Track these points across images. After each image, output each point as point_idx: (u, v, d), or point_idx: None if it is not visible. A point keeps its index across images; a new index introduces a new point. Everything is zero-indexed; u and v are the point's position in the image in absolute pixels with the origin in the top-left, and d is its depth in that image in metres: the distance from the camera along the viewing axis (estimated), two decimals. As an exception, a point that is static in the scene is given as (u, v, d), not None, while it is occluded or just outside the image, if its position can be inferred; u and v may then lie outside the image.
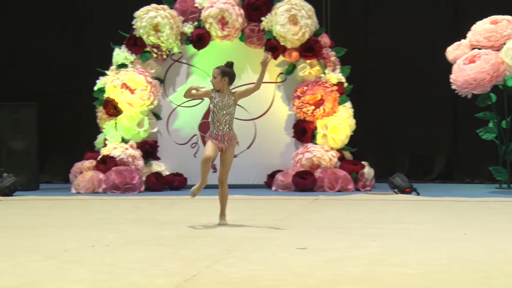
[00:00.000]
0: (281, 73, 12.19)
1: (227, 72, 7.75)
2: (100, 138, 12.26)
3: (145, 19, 11.94)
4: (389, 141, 13.04)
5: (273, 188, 11.73)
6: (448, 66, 11.68)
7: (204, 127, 12.24)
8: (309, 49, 11.92)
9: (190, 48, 12.20)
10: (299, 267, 5.39)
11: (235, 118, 12.23)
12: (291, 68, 12.07)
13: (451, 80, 11.52)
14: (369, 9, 13.23)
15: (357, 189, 11.57)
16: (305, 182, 11.44)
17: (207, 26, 12.01)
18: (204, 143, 12.12)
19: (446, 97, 12.66)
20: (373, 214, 8.66)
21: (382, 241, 6.55)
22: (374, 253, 5.92)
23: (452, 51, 11.69)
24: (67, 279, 5.05)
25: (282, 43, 11.90)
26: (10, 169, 11.42)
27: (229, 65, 7.85)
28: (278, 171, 11.92)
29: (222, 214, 7.76)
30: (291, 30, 11.82)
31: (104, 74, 12.16)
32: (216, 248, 6.21)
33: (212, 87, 7.78)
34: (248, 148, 12.22)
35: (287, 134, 12.19)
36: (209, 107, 12.13)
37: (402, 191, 10.79)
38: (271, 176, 11.96)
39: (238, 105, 11.65)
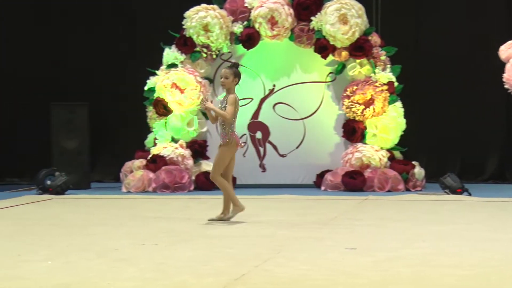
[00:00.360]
0: (330, 73, 12.14)
1: (238, 74, 8.00)
2: (150, 137, 12.36)
3: (195, 19, 12.00)
4: (440, 141, 12.89)
5: (322, 188, 11.69)
6: (501, 65, 11.50)
7: (253, 126, 12.27)
8: (359, 48, 11.85)
9: (240, 48, 12.22)
10: (348, 267, 5.37)
11: (285, 118, 12.28)
12: (341, 68, 12.02)
13: (503, 80, 11.35)
14: (421, 8, 13.10)
15: (407, 189, 11.46)
16: (355, 182, 11.38)
17: (256, 25, 12.02)
18: (253, 142, 12.27)
19: (498, 97, 12.47)
20: (423, 214, 8.58)
21: (432, 241, 6.48)
22: (425, 254, 5.87)
23: (505, 50, 11.50)
24: (118, 277, 5.11)
25: (331, 43, 11.85)
26: (62, 168, 11.58)
27: (238, 65, 8.07)
28: (327, 171, 11.87)
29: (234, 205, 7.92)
30: (341, 30, 11.76)
31: (154, 74, 12.26)
32: (265, 247, 6.21)
33: (222, 87, 7.99)
34: (297, 148, 12.19)
35: (336, 133, 12.13)
36: (258, 107, 12.26)
37: (454, 191, 10.66)
38: (320, 176, 11.92)
39: (287, 104, 11.62)
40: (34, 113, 13.44)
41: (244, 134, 12.26)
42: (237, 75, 7.95)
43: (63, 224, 7.78)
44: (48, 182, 11.23)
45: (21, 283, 4.95)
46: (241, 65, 8.02)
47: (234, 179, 12.01)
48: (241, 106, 12.07)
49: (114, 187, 12.44)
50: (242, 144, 7.96)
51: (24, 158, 13.65)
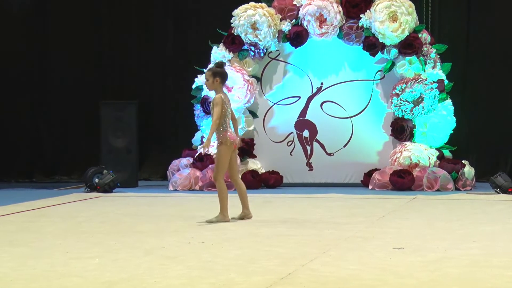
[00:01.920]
0: (379, 71, 12.07)
1: (217, 72, 7.80)
2: (197, 136, 12.43)
3: (243, 17, 12.04)
4: (490, 140, 12.72)
5: (370, 187, 11.63)
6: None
7: (300, 124, 12.26)
8: (408, 46, 11.75)
9: (288, 46, 12.22)
10: (396, 267, 5.34)
11: (333, 116, 12.22)
12: (390, 66, 11.94)
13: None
14: (472, 4, 12.93)
15: (457, 189, 11.34)
16: (403, 181, 11.30)
17: (305, 23, 12.01)
18: (300, 141, 12.25)
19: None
20: (473, 214, 8.49)
21: (483, 242, 6.41)
22: (475, 254, 5.80)
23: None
24: (165, 275, 5.16)
25: (381, 40, 11.78)
26: (110, 166, 11.71)
27: (219, 65, 7.90)
28: (375, 169, 11.81)
29: (244, 208, 7.96)
30: (390, 27, 11.69)
31: (202, 72, 12.32)
32: (312, 246, 6.21)
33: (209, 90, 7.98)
34: (344, 146, 12.15)
35: (384, 132, 12.06)
36: (306, 105, 12.25)
37: (505, 191, 10.52)
38: (368, 174, 11.86)
39: (335, 102, 11.56)
40: (83, 112, 13.62)
41: (291, 133, 12.26)
42: (218, 74, 7.76)
43: (111, 222, 7.88)
44: (96, 180, 11.36)
45: (70, 280, 5.03)
46: (223, 64, 7.89)
47: (280, 177, 12.08)
48: (289, 104, 12.26)
49: (161, 185, 12.55)
50: (237, 143, 7.85)
51: (73, 156, 13.84)
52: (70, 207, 9.55)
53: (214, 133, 7.73)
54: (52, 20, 14.02)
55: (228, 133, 7.76)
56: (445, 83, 11.81)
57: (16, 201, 9.98)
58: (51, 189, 12.08)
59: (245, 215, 7.99)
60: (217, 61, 7.90)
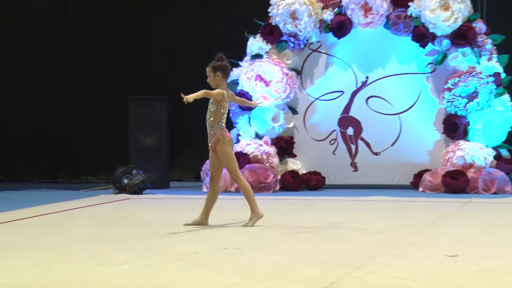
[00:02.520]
0: (430, 63, 11.99)
1: (217, 66, 7.80)
2: (232, 133, 12.44)
3: (282, 6, 12.04)
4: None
5: (420, 189, 11.57)
6: None
7: (343, 121, 12.23)
8: (461, 36, 11.66)
9: (330, 37, 12.20)
10: (449, 276, 5.30)
11: (379, 113, 12.18)
12: (441, 58, 11.86)
13: None
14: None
15: (515, 192, 11.26)
16: (457, 183, 11.21)
17: (348, 12, 11.98)
18: (344, 139, 12.21)
19: None
20: (533, 219, 8.40)
21: (543, 250, 6.34)
22: (534, 263, 5.74)
23: None
24: (198, 282, 5.17)
25: (431, 30, 11.70)
26: (140, 166, 11.79)
27: (219, 58, 7.88)
28: (426, 170, 11.74)
29: (203, 213, 7.86)
30: (442, 16, 11.60)
31: (237, 66, 12.35)
32: (357, 253, 6.19)
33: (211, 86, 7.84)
34: (392, 145, 12.11)
35: (436, 130, 11.99)
36: (350, 101, 12.22)
37: None
38: (418, 176, 11.80)
39: (381, 97, 11.52)
40: (110, 108, 13.72)
41: (334, 130, 12.24)
42: (218, 69, 7.78)
43: (140, 226, 7.92)
44: (125, 181, 11.45)
45: (98, 287, 5.07)
46: (223, 56, 7.87)
47: (322, 179, 12.06)
48: (331, 99, 12.24)
49: (194, 186, 12.60)
50: (233, 142, 7.87)
51: (100, 156, 13.96)
52: (98, 210, 9.63)
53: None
54: (76, 12, 14.15)
55: (226, 132, 7.77)
56: (502, 77, 11.70)
57: (40, 203, 10.09)
58: (77, 190, 12.19)
59: (200, 222, 7.91)
60: (217, 55, 7.89)
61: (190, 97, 7.46)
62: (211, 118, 7.76)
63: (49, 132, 14.19)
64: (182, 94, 7.43)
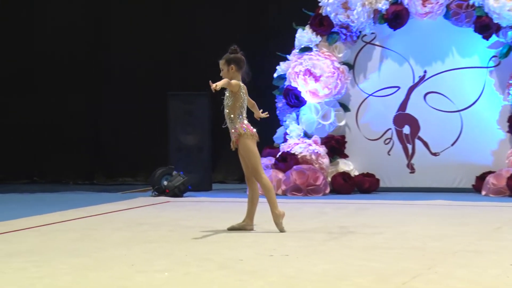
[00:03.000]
0: (494, 56, 11.89)
1: (231, 59, 7.88)
2: (279, 132, 12.46)
3: (333, -5, 12.02)
4: None
5: (483, 192, 11.48)
6: None
7: (399, 119, 12.17)
8: (528, 27, 11.54)
9: (385, 28, 12.14)
10: (514, 287, 5.25)
11: (438, 110, 12.08)
12: (507, 50, 11.74)
13: None
14: None
15: None
16: (523, 186, 11.13)
17: (405, 1, 11.91)
18: (400, 138, 12.15)
19: None
20: None
21: None
22: None
23: None
24: (243, 291, 5.19)
25: (495, 21, 11.59)
26: (181, 166, 11.84)
27: (233, 50, 7.95)
28: (489, 172, 11.64)
29: (247, 217, 7.87)
30: (507, 5, 11.48)
31: (285, 59, 12.35)
32: (414, 261, 6.16)
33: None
34: (452, 145, 12.03)
35: (500, 128, 11.89)
36: (406, 97, 12.15)
37: None
38: (481, 178, 11.70)
39: (440, 93, 11.43)
40: (149, 104, 13.81)
41: (389, 129, 12.18)
42: (232, 61, 7.86)
43: (181, 231, 7.96)
44: (165, 183, 11.51)
45: (136, 295, 5.11)
46: (237, 48, 7.89)
47: (376, 181, 12.02)
48: (386, 95, 12.18)
49: (238, 189, 12.62)
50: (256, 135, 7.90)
51: (138, 156, 14.06)
52: (136, 213, 9.70)
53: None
54: (114, 5, 14.29)
55: (245, 125, 7.82)
56: None
57: (75, 206, 10.20)
58: (114, 193, 12.29)
59: (245, 226, 7.92)
60: (231, 47, 7.92)
61: (218, 84, 7.50)
62: (231, 114, 7.82)
63: (84, 131, 14.33)
64: (210, 82, 7.49)
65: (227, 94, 7.88)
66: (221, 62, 7.94)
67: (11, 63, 14.38)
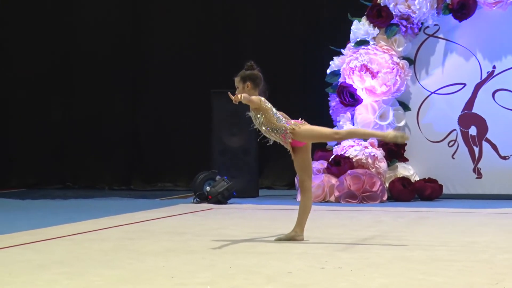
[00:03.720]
0: None
1: (247, 76, 7.87)
2: (333, 133, 12.44)
3: (392, -17, 11.99)
4: None
5: (558, 201, 11.37)
6: None
7: (465, 119, 12.10)
8: None
9: (450, 19, 12.08)
10: None
11: (508, 109, 11.95)
12: None
13: None
14: None
15: None
16: None
17: (472, -10, 11.85)
18: (465, 140, 12.07)
19: None
20: None
21: None
22: None
23: None
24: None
25: None
26: (225, 171, 11.88)
27: (249, 67, 7.94)
28: None
29: (297, 227, 7.88)
30: None
31: (339, 54, 12.33)
32: (481, 275, 6.12)
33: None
34: (524, 147, 11.95)
35: None
36: (472, 95, 12.08)
37: None
38: (555, 185, 11.60)
39: (510, 91, 11.33)
40: (190, 104, 13.88)
41: (454, 130, 12.11)
42: (248, 78, 7.87)
43: (225, 241, 7.99)
44: (208, 188, 11.55)
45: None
46: (253, 64, 7.91)
47: (439, 187, 11.95)
48: (451, 93, 12.11)
49: (288, 195, 12.62)
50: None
51: (179, 159, 14.13)
52: (176, 221, 9.74)
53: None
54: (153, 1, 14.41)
55: (291, 121, 7.83)
56: None
57: (111, 213, 10.28)
58: (152, 199, 12.37)
59: (295, 236, 7.94)
60: (247, 63, 7.94)
61: (239, 98, 7.56)
62: (268, 127, 7.83)
63: (121, 133, 14.43)
64: (229, 94, 7.54)
65: (253, 114, 7.91)
66: (236, 80, 7.98)
67: (44, 65, 14.54)
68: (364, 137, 7.61)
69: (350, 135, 7.82)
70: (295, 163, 7.98)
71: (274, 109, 7.91)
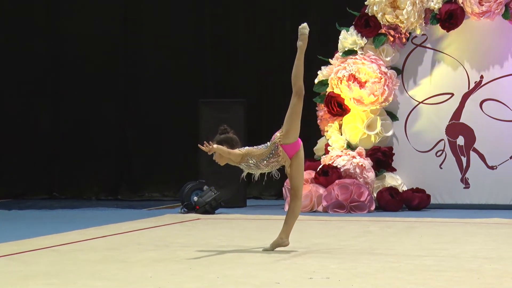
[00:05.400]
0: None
1: (222, 140, 7.98)
2: (320, 143, 12.45)
3: (380, -7, 12.02)
4: None
5: (545, 210, 11.40)
6: None
7: (453, 129, 12.12)
8: None
9: (437, 29, 12.11)
10: None
11: (496, 119, 11.96)
12: None
13: None
14: None
15: None
16: None
17: (460, 0, 11.87)
18: (453, 150, 12.09)
19: None
20: None
21: None
22: None
23: None
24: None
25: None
26: (213, 181, 11.87)
27: (222, 131, 8.08)
28: (552, 188, 11.57)
29: (283, 233, 7.90)
30: None
31: (327, 63, 12.34)
32: (469, 285, 6.12)
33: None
34: (511, 157, 11.96)
35: None
36: (460, 105, 12.10)
37: None
38: (543, 195, 11.63)
39: (498, 101, 11.37)
40: (178, 113, 13.86)
41: (442, 140, 12.13)
42: (224, 142, 7.95)
43: (212, 251, 7.98)
44: (195, 198, 11.55)
45: (162, 321, 5.12)
46: (227, 128, 8.05)
47: (427, 197, 11.96)
48: (438, 103, 12.12)
49: (275, 205, 12.62)
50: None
51: (166, 169, 14.11)
52: (163, 232, 9.73)
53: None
54: (144, 10, 14.40)
55: (272, 139, 7.93)
56: None
57: (98, 224, 10.26)
58: (139, 209, 12.35)
59: (280, 243, 7.96)
60: (220, 127, 7.99)
61: (216, 148, 7.71)
62: (264, 159, 7.94)
63: (108, 143, 14.40)
64: (205, 143, 7.59)
65: (242, 166, 7.99)
66: (215, 148, 7.95)
67: (32, 74, 14.52)
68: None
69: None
70: (292, 173, 7.99)
71: (250, 147, 7.96)
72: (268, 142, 7.90)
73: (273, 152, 7.86)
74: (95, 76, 14.38)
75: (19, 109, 14.56)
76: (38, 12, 14.61)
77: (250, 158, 7.89)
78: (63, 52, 14.49)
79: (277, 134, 7.90)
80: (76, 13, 14.51)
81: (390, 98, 12.11)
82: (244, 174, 8.08)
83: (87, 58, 14.42)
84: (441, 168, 12.15)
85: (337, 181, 11.72)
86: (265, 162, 7.90)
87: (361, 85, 11.99)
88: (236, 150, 7.87)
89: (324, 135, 12.36)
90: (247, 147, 7.94)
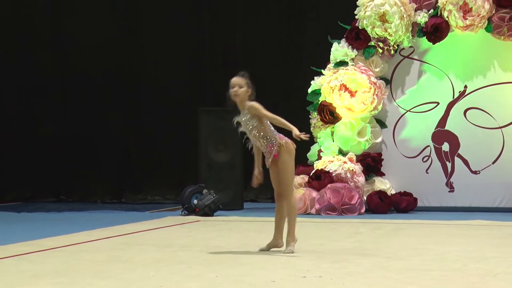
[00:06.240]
0: (540, 69, 11.85)
1: (251, 86, 7.93)
2: (313, 149, 12.44)
3: (370, 7, 12.00)
4: None
5: (526, 213, 11.39)
6: None
7: (438, 136, 12.12)
8: None
9: (424, 42, 12.11)
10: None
11: (479, 126, 11.97)
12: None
13: None
14: None
15: None
16: None
17: (445, 14, 11.87)
18: (439, 156, 12.08)
19: None
20: None
21: None
22: None
23: None
24: (275, 314, 5.18)
25: (539, 33, 11.53)
26: (211, 185, 11.85)
27: (246, 75, 8.00)
28: (532, 192, 11.57)
29: (277, 234, 7.93)
30: (551, 17, 11.43)
31: (319, 74, 12.34)
32: (453, 284, 6.12)
33: (231, 97, 7.90)
34: (493, 163, 11.95)
35: (545, 146, 11.81)
36: (445, 113, 12.09)
37: None
38: (524, 198, 11.63)
39: (481, 109, 11.39)
40: (179, 120, 13.85)
41: (428, 146, 12.13)
42: (251, 88, 7.91)
43: (211, 251, 7.97)
44: (195, 201, 11.53)
45: (164, 318, 5.11)
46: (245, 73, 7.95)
47: (414, 200, 11.96)
48: (425, 111, 12.13)
49: (271, 208, 12.54)
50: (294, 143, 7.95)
51: (168, 173, 14.09)
52: (164, 233, 9.71)
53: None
54: (145, 20, 14.37)
55: (286, 138, 7.85)
56: None
57: (103, 225, 10.24)
58: (142, 212, 12.33)
59: (276, 245, 7.96)
60: (240, 72, 7.97)
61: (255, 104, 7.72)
62: (261, 133, 7.81)
63: (113, 148, 14.38)
64: (301, 134, 7.70)
65: (246, 118, 7.87)
66: (243, 81, 7.93)
67: (38, 80, 14.49)
68: (290, 220, 7.73)
69: (292, 206, 7.86)
70: (272, 175, 8.01)
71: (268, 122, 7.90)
72: (277, 135, 7.80)
73: (268, 139, 7.79)
74: (100, 84, 14.34)
75: (28, 115, 14.52)
76: (44, 20, 14.58)
77: (258, 119, 7.80)
78: (70, 61, 14.44)
79: (284, 141, 7.79)
80: (80, 24, 14.44)
81: (379, 107, 12.10)
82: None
83: (92, 67, 14.35)
84: (427, 172, 12.14)
85: (329, 185, 11.71)
86: (257, 135, 7.84)
87: (352, 94, 11.98)
88: (269, 114, 7.81)
89: (317, 142, 12.35)
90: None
